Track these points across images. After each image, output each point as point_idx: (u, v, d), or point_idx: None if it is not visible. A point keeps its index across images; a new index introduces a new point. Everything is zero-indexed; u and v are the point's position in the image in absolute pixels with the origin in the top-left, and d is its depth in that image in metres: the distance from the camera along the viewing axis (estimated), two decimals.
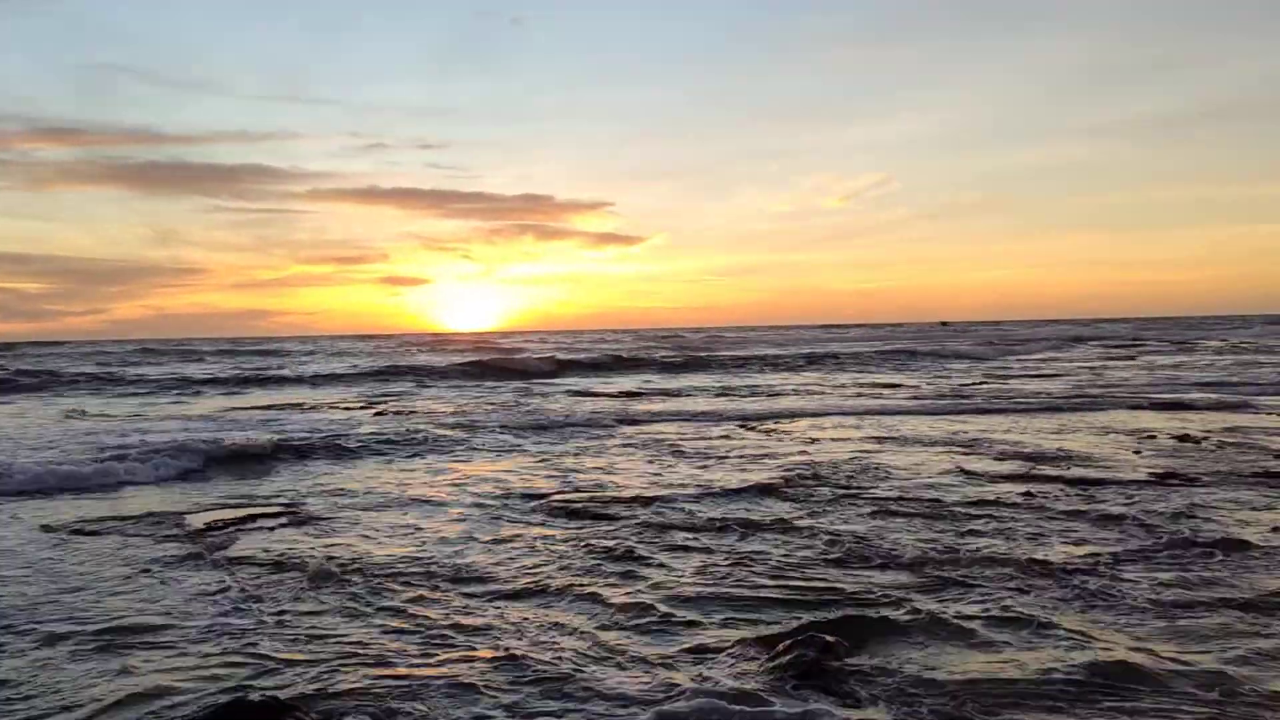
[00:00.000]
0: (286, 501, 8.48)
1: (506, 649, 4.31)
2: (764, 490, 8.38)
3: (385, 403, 20.50)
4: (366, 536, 6.90)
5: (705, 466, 10.04)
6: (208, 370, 34.03)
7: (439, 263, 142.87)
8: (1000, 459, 10.02)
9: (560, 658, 4.21)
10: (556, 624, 4.70)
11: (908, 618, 4.61)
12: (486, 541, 6.63)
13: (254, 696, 3.65)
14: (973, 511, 7.22)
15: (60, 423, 16.24)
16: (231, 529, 7.24)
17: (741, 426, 14.12)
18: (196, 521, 7.54)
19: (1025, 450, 10.62)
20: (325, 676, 4.01)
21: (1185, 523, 6.67)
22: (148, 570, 5.94)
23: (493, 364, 32.20)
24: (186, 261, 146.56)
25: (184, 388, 26.30)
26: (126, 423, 16.01)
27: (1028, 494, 7.92)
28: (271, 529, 7.25)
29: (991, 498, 7.76)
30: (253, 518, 7.69)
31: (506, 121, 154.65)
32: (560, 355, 38.04)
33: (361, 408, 19.13)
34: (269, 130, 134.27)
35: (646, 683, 3.90)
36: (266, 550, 6.45)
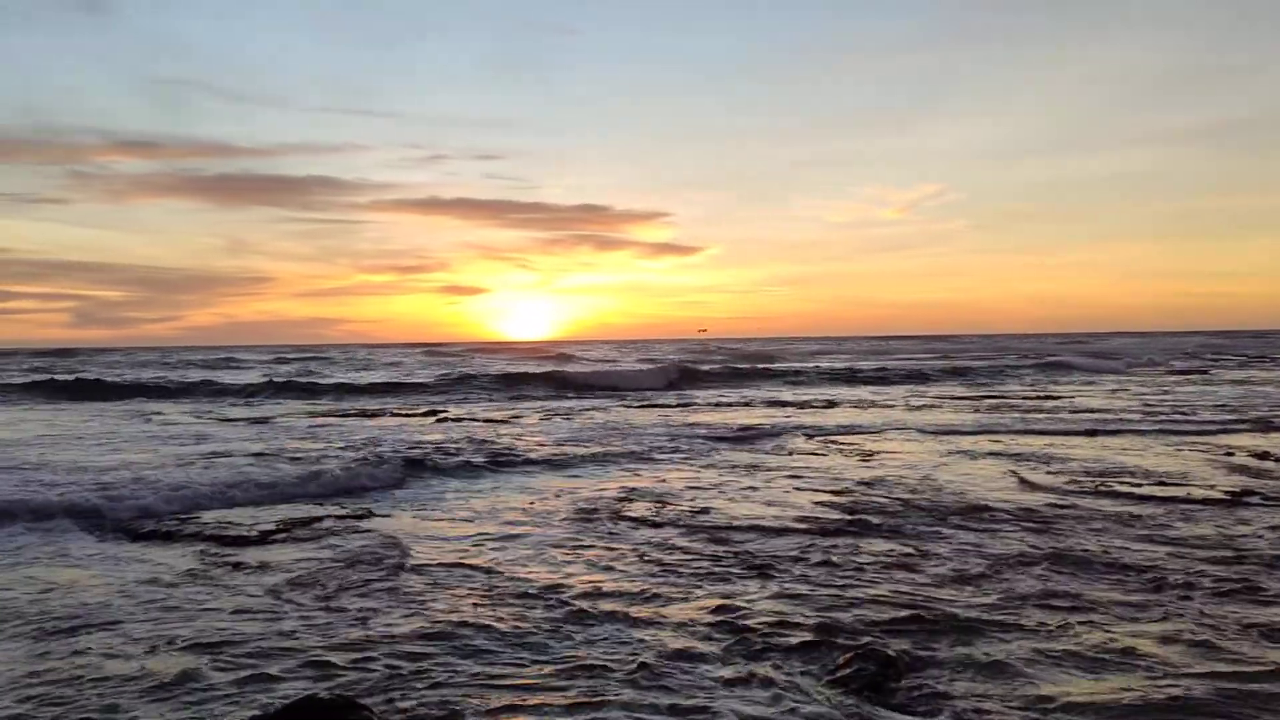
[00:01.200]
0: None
1: (582, 655, 4.35)
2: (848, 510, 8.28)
3: (443, 412, 20.76)
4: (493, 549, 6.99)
5: (788, 487, 9.96)
6: (291, 376, 34.59)
7: (497, 272, 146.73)
8: (1072, 475, 9.75)
9: (634, 658, 4.22)
10: (631, 634, 4.70)
11: (992, 639, 4.51)
12: (573, 550, 6.67)
13: (323, 694, 3.70)
14: (1064, 527, 7.05)
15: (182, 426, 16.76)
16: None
17: (811, 438, 13.97)
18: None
19: (1101, 468, 10.33)
20: (396, 676, 4.08)
21: (1269, 539, 6.43)
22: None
23: (572, 378, 31.52)
24: (255, 271, 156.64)
25: (275, 394, 27.10)
26: (271, 428, 16.47)
27: (1114, 511, 7.70)
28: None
29: (1075, 514, 7.57)
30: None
31: (563, 132, 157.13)
32: (629, 366, 37.99)
33: (423, 412, 19.44)
34: (334, 143, 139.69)
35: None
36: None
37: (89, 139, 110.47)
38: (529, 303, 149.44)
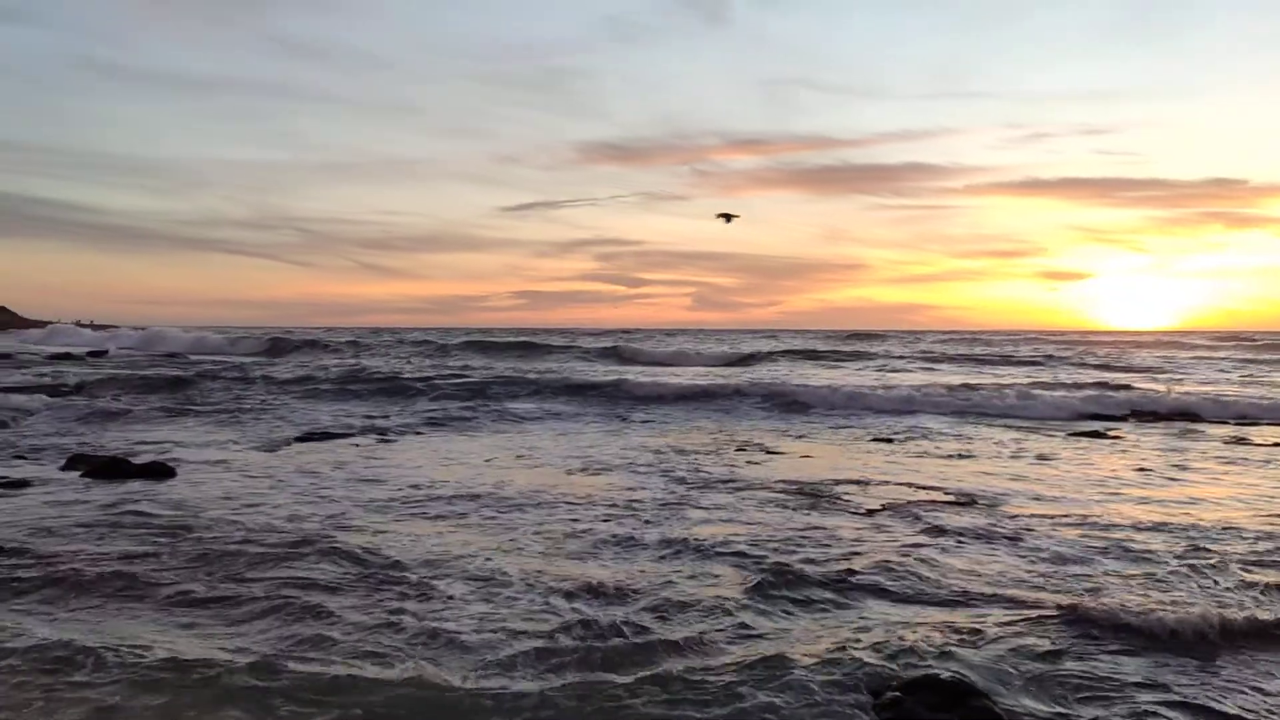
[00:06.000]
0: None
1: None
2: None
3: None
4: None
5: None
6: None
7: (1104, 255, 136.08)
8: None
9: None
10: None
11: None
12: None
13: (944, 675, 3.85)
14: None
15: None
16: None
17: None
18: None
19: None
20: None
21: None
22: None
23: None
24: (849, 258, 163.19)
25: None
26: None
27: None
28: None
29: None
30: None
31: (1188, 98, 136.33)
32: None
33: None
34: (927, 128, 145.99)
35: None
36: None
37: (709, 140, 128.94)
38: (1141, 289, 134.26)
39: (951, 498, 8.36)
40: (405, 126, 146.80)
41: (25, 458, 10.56)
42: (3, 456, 10.54)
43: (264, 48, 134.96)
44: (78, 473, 9.11)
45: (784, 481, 9.16)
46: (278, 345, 41.16)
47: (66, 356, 33.02)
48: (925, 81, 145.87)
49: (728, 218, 19.29)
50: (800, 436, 13.86)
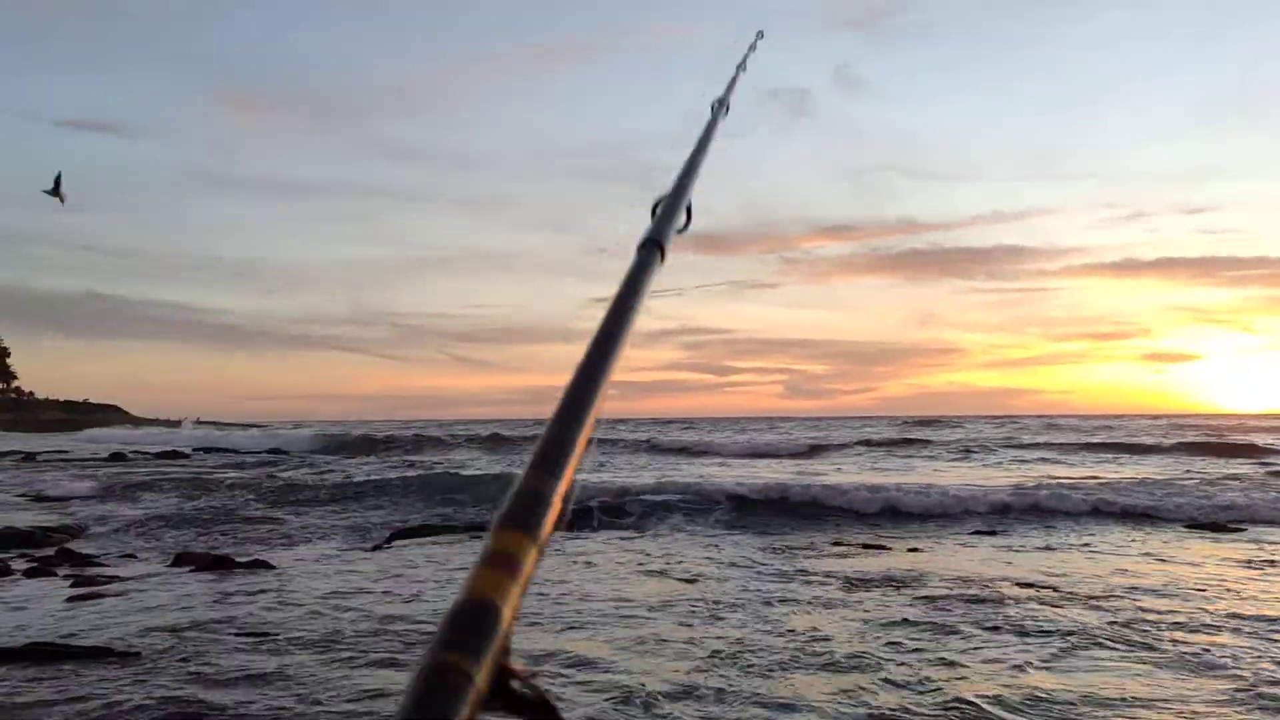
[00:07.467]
0: None
1: None
2: None
3: None
4: None
5: None
6: None
7: (1211, 336, 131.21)
8: None
9: None
10: None
11: None
12: None
13: None
14: None
15: None
16: None
17: None
18: None
19: None
20: None
21: None
22: None
23: None
24: (943, 342, 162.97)
25: None
26: None
27: None
28: None
29: None
30: None
31: None
32: None
33: None
34: (1020, 210, 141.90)
35: None
36: None
37: (796, 228, 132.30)
38: (1253, 370, 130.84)
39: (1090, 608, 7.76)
40: (499, 222, 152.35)
41: (134, 555, 10.82)
42: (110, 554, 10.82)
43: (363, 151, 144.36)
44: (186, 569, 9.26)
45: (907, 589, 8.65)
46: (366, 441, 42.03)
47: (173, 455, 34.38)
48: (1017, 163, 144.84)
49: (55, 190, 17.01)
50: (881, 534, 13.25)
